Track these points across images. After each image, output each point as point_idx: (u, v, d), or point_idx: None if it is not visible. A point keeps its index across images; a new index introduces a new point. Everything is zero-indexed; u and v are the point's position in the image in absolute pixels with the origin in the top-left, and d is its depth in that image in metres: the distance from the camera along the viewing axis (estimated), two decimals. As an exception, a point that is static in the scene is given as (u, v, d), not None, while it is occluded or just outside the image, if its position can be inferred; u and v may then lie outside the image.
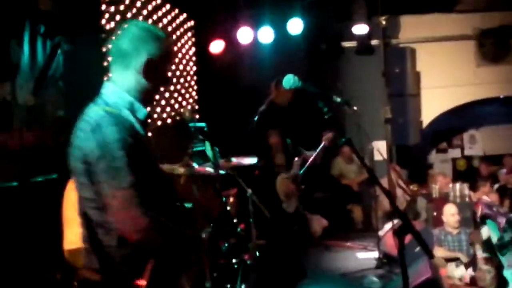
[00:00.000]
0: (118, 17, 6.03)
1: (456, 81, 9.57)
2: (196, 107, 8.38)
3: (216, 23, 8.47)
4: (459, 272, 5.81)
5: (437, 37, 9.49)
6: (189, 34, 8.37)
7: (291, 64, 8.11)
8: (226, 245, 4.49)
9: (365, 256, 7.09)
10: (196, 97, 8.47)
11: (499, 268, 5.29)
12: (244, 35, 8.41)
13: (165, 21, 7.40)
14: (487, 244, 5.61)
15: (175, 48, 7.62)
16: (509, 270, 5.12)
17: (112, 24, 5.94)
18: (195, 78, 8.50)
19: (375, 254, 6.75)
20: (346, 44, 9.50)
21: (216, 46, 8.49)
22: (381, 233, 6.89)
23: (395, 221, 6.38)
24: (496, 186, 8.80)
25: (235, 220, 4.86)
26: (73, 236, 4.58)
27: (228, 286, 4.43)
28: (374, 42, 9.40)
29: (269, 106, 6.45)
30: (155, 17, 7.08)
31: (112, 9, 5.96)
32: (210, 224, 4.26)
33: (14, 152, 4.54)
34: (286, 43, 8.57)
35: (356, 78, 9.26)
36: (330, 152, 7.83)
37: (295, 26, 8.40)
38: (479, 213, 5.90)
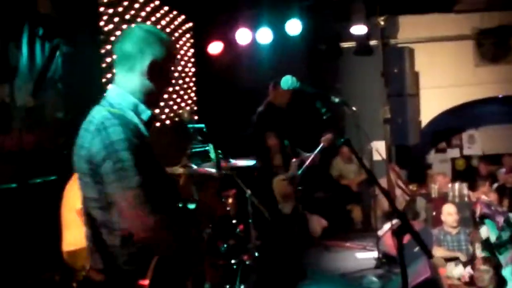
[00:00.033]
0: (116, 19, 6.04)
1: (455, 81, 9.57)
2: (195, 108, 8.38)
3: (215, 25, 8.48)
4: (458, 271, 5.81)
5: (436, 37, 9.49)
6: (188, 35, 8.37)
7: (290, 65, 8.11)
8: (225, 246, 4.50)
9: (364, 256, 7.09)
10: (194, 98, 8.48)
11: (497, 267, 5.29)
12: (243, 36, 8.42)
13: (163, 22, 7.41)
14: (486, 244, 5.62)
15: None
16: (507, 269, 5.13)
17: (111, 26, 5.95)
18: (193, 79, 8.51)
19: (374, 254, 6.75)
20: (345, 44, 9.49)
21: (215, 47, 8.51)
22: (380, 233, 6.89)
23: (394, 221, 6.39)
24: (495, 185, 8.80)
25: (234, 221, 4.88)
26: (71, 238, 4.60)
27: (227, 286, 4.44)
28: (372, 42, 9.40)
29: (267, 107, 6.46)
30: (153, 18, 7.08)
31: (111, 11, 5.96)
32: (212, 225, 4.26)
33: (13, 154, 4.54)
34: (284, 44, 8.56)
35: (355, 79, 9.27)
36: (329, 152, 7.84)
37: (294, 27, 8.40)
38: (478, 213, 5.90)
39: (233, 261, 4.56)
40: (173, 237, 2.26)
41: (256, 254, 4.91)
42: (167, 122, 7.22)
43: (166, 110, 7.24)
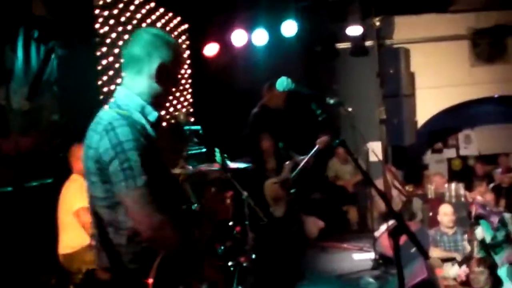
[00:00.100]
0: (111, 21, 6.04)
1: (451, 81, 9.58)
2: (191, 110, 8.39)
3: (210, 26, 8.47)
4: (454, 271, 5.81)
5: (432, 37, 9.50)
6: (184, 37, 8.37)
7: (286, 66, 8.07)
8: (222, 247, 4.49)
9: (361, 257, 7.10)
10: (191, 100, 8.47)
11: (493, 267, 5.29)
12: (238, 37, 8.42)
13: (159, 24, 7.40)
14: (482, 244, 5.62)
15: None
16: (503, 269, 5.14)
17: (106, 28, 5.94)
18: (189, 81, 8.51)
19: (371, 255, 6.75)
20: (341, 45, 9.50)
21: (211, 49, 8.50)
22: (376, 234, 6.90)
23: (391, 222, 6.39)
24: (491, 185, 8.81)
25: (231, 223, 4.87)
26: (68, 240, 4.60)
27: (225, 288, 4.43)
28: (368, 43, 9.40)
29: (261, 109, 6.42)
30: (149, 20, 7.08)
31: (106, 13, 5.96)
32: (213, 227, 4.26)
33: (9, 157, 4.54)
34: (280, 45, 8.56)
35: (351, 79, 9.26)
36: (325, 154, 7.83)
37: (289, 28, 8.40)
38: (473, 214, 5.91)
39: (230, 263, 4.55)
40: (177, 237, 2.28)
41: (253, 255, 4.91)
42: (164, 124, 7.21)
43: (163, 112, 7.22)
